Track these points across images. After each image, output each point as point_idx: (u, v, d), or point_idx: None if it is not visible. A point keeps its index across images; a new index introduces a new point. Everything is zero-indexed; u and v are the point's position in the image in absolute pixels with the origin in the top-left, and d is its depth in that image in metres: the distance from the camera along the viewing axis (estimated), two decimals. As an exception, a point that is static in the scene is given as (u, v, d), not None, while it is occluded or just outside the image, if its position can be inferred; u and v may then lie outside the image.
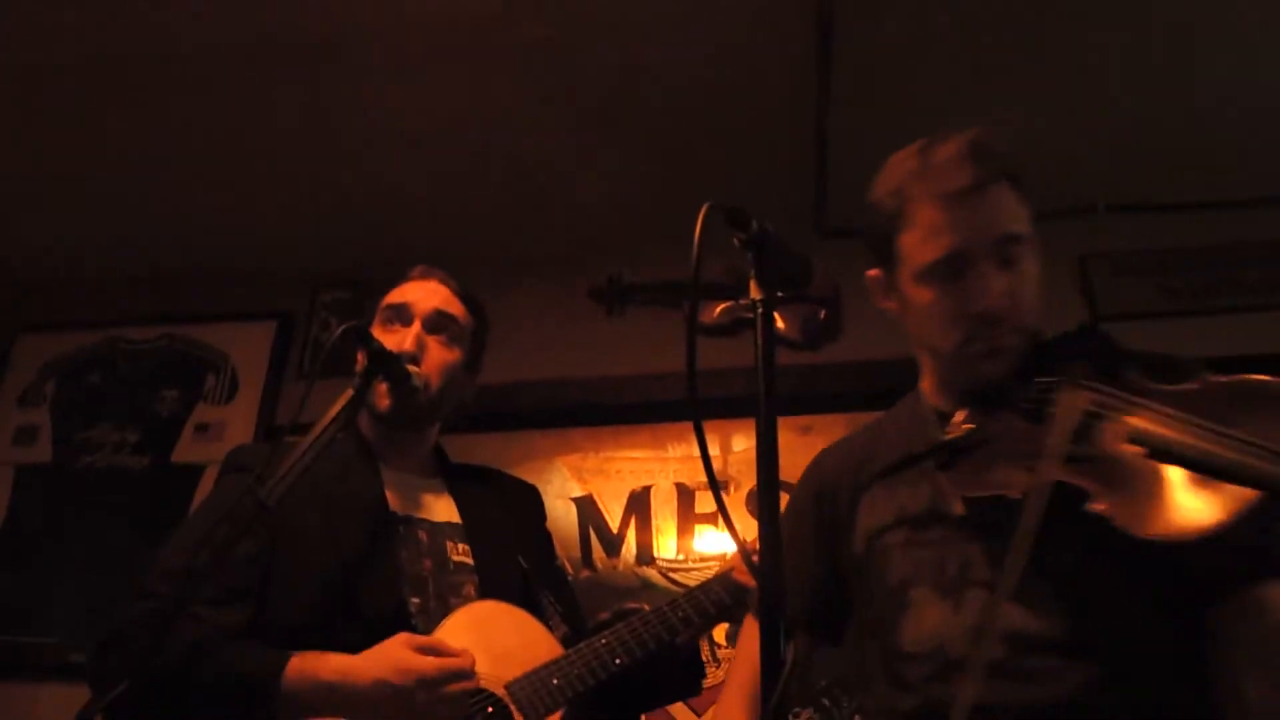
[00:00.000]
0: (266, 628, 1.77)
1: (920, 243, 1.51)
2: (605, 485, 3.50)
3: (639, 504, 3.45)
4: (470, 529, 2.06)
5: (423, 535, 1.99)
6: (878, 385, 3.19)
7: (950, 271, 1.48)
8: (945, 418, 1.54)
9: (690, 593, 2.03)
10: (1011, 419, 1.42)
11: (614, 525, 3.44)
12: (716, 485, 1.19)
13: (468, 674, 1.72)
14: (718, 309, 3.43)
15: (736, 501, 3.31)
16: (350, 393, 1.74)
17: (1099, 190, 3.40)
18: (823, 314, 3.45)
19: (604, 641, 1.92)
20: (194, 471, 3.48)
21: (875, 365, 3.34)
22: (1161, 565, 1.28)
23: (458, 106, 3.06)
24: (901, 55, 2.88)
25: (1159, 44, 2.82)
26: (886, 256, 1.61)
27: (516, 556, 2.07)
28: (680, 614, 1.99)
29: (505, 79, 2.96)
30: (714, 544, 3.34)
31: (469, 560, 2.01)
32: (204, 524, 1.83)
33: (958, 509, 1.49)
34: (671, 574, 3.32)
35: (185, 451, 3.56)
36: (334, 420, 1.68)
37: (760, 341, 1.21)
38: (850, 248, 3.40)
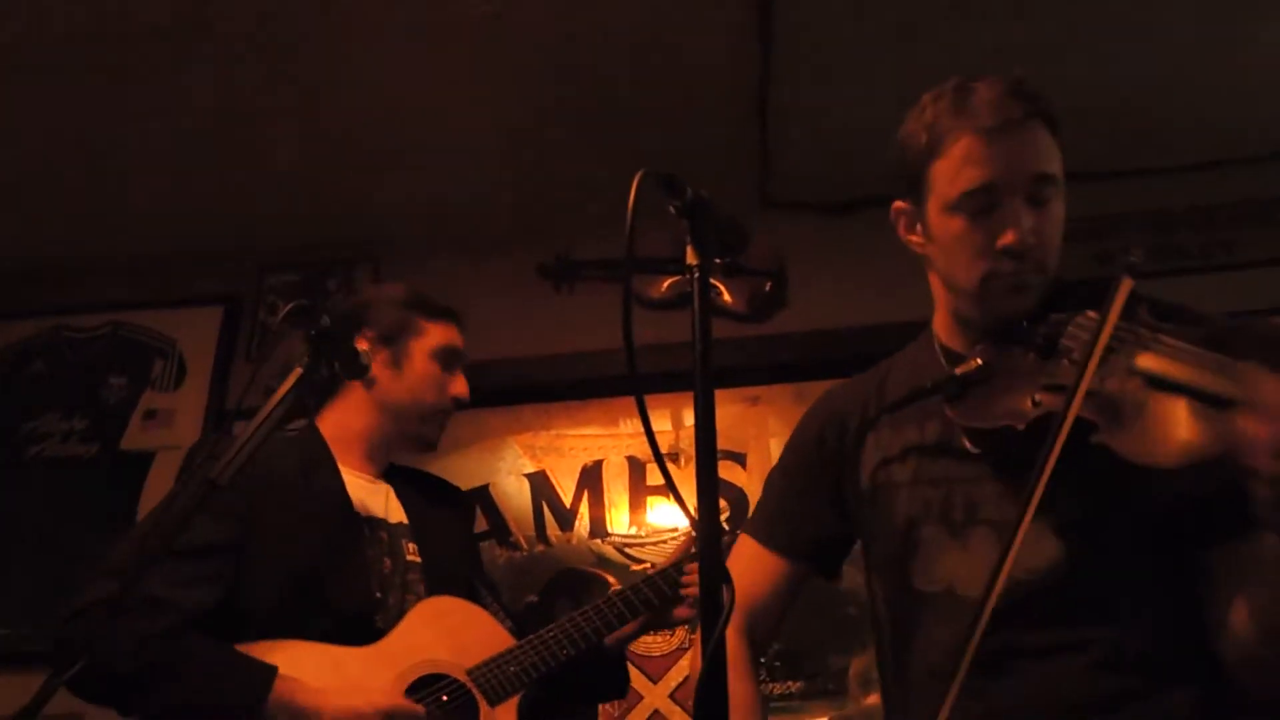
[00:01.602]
0: (237, 613, 1.89)
1: (954, 173, 1.52)
2: (558, 462, 3.52)
3: (591, 478, 3.49)
4: (416, 528, 2.18)
5: (384, 535, 2.12)
6: (825, 355, 3.34)
7: (982, 203, 1.49)
8: (956, 358, 1.57)
9: (634, 588, 2.15)
10: (1024, 354, 1.45)
11: (566, 500, 3.47)
12: (660, 456, 1.21)
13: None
14: (665, 283, 3.46)
15: (688, 475, 3.28)
16: (299, 372, 1.75)
17: None
18: (768, 286, 3.47)
19: (552, 634, 2.07)
20: (144, 458, 3.45)
21: (821, 335, 3.40)
22: (1160, 501, 1.33)
23: (401, 85, 3.05)
24: (842, 26, 2.89)
25: (1097, 12, 2.86)
26: (915, 187, 1.60)
27: (455, 555, 2.24)
28: (618, 607, 2.12)
29: (450, 57, 2.95)
30: (666, 517, 3.38)
31: (416, 559, 2.14)
32: (169, 508, 1.87)
33: (965, 444, 1.52)
34: (627, 549, 3.37)
35: (134, 439, 3.53)
36: (281, 402, 1.69)
37: (696, 306, 1.22)
38: (794, 219, 3.54)
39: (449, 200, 3.56)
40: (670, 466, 3.25)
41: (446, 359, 2.24)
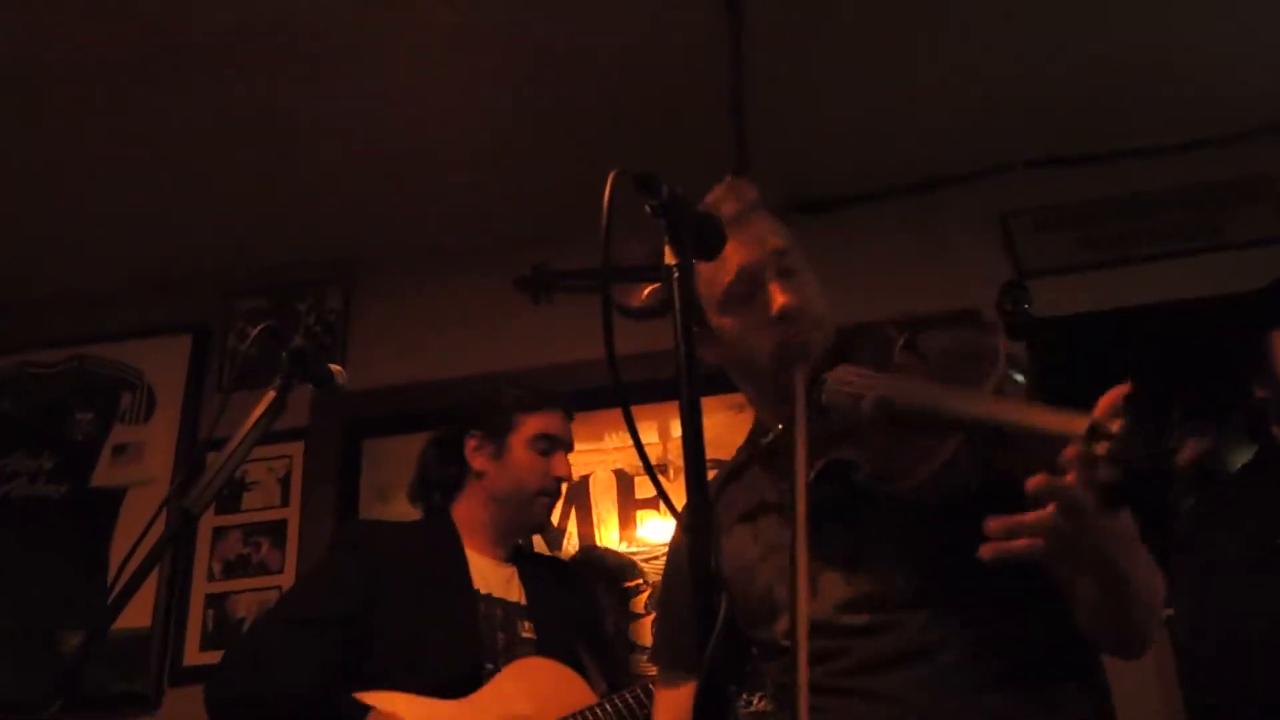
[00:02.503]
0: (358, 674, 2.20)
1: (712, 276, 1.64)
2: None
3: (578, 494, 3.41)
4: (534, 610, 2.46)
5: (499, 612, 2.39)
6: None
7: (744, 291, 1.61)
8: (766, 432, 1.70)
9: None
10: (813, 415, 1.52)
11: (554, 517, 3.29)
12: (649, 463, 1.23)
13: None
14: (645, 290, 3.40)
15: (677, 488, 3.23)
16: (272, 395, 1.72)
17: (1016, 148, 3.43)
18: None
19: (631, 696, 2.29)
20: (115, 495, 3.37)
21: None
22: (935, 511, 1.41)
23: (368, 101, 3.03)
24: (813, 26, 2.89)
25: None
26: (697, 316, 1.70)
27: (571, 632, 2.51)
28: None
29: (418, 70, 2.94)
30: (656, 531, 3.32)
31: (532, 635, 2.41)
32: (314, 584, 2.46)
33: (779, 499, 1.63)
34: None
35: (104, 475, 3.46)
36: (256, 425, 1.66)
37: (677, 306, 1.21)
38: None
39: (421, 215, 3.53)
40: (660, 478, 3.22)
41: (544, 446, 2.55)
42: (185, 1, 2.65)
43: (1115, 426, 0.98)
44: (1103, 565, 1.26)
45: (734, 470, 1.74)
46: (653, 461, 3.27)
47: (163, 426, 3.50)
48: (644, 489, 3.38)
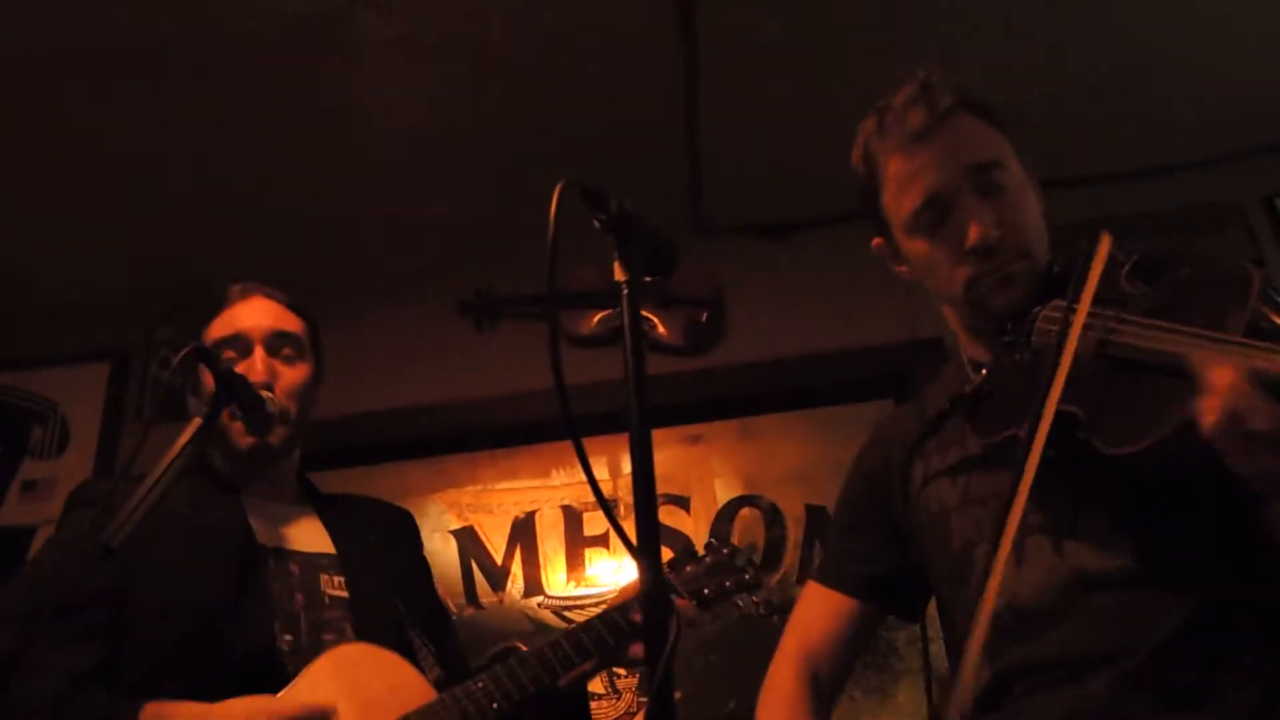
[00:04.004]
0: (123, 670, 1.71)
1: (897, 197, 1.54)
2: (486, 518, 3.40)
3: (524, 531, 3.34)
4: (345, 560, 1.99)
5: (294, 568, 1.92)
6: (768, 387, 3.31)
7: (934, 216, 1.50)
8: (979, 365, 1.56)
9: (571, 631, 1.92)
10: (1021, 355, 1.45)
11: (498, 557, 3.32)
12: (600, 492, 1.17)
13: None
14: (594, 318, 3.36)
15: (628, 527, 3.14)
16: (198, 422, 1.65)
17: None
18: (704, 316, 3.38)
19: (480, 685, 1.82)
20: (23, 534, 3.22)
21: (764, 366, 3.32)
22: (1174, 476, 1.28)
23: (300, 112, 2.96)
24: (768, 51, 2.88)
25: (1038, 17, 2.85)
26: (879, 222, 1.63)
27: (393, 591, 2.01)
28: (560, 653, 1.88)
29: (357, 88, 2.90)
30: (606, 571, 3.24)
31: (344, 594, 1.94)
32: (47, 566, 1.83)
33: (982, 452, 1.52)
34: (565, 611, 3.22)
35: (11, 513, 3.33)
36: (181, 453, 1.60)
37: (627, 323, 1.16)
38: (729, 245, 3.44)
39: (358, 236, 3.46)
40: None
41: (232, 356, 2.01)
42: (114, 9, 2.57)
43: None
44: None
45: (933, 423, 1.61)
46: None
47: (77, 460, 3.39)
48: (593, 526, 3.31)
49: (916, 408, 1.74)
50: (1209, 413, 1.10)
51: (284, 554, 1.93)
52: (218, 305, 2.04)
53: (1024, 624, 1.39)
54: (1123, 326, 1.29)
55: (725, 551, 2.04)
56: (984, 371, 1.48)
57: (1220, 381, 1.10)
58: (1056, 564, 1.36)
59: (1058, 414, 1.27)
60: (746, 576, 2.01)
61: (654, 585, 1.10)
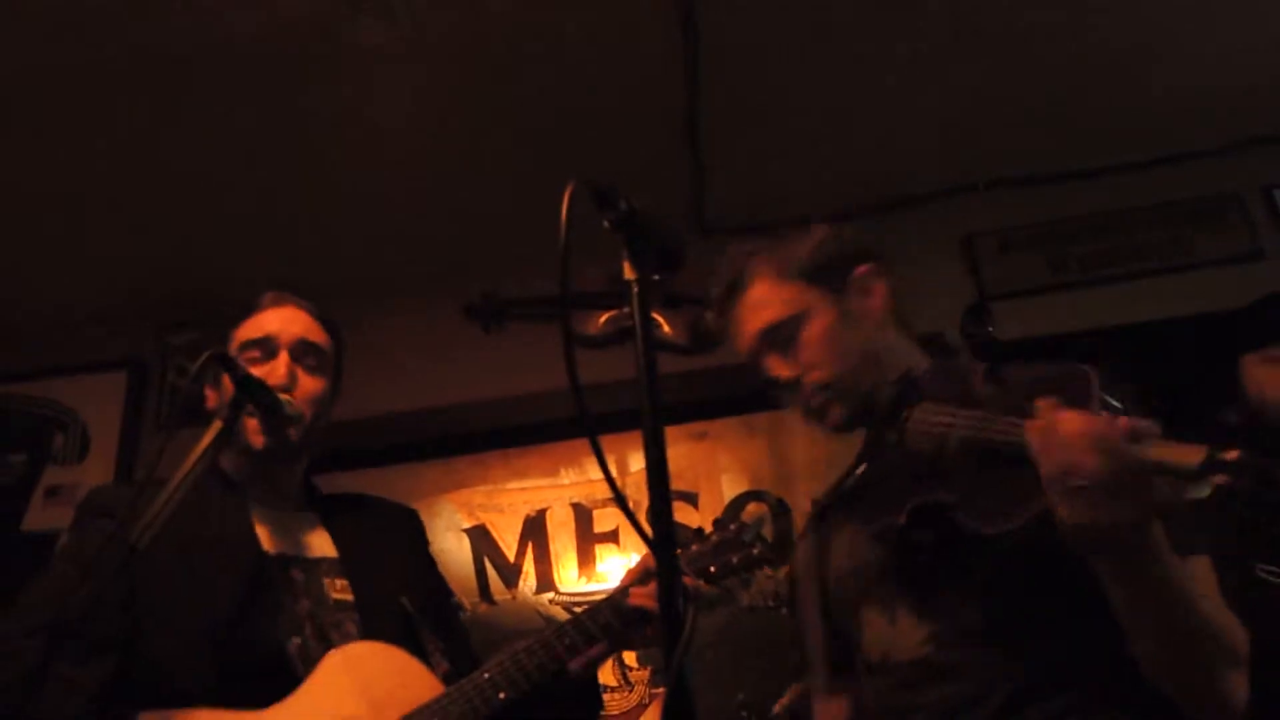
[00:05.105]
0: (134, 680, 1.72)
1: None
2: (498, 517, 3.46)
3: (535, 529, 3.41)
4: (348, 564, 2.02)
5: (297, 574, 1.95)
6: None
7: (760, 369, 1.75)
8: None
9: (577, 618, 1.95)
10: (891, 454, 1.58)
11: (510, 555, 3.39)
12: (614, 482, 1.19)
13: None
14: (601, 318, 3.39)
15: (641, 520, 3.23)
16: (219, 425, 1.68)
17: (979, 168, 3.45)
18: (709, 315, 3.38)
19: (486, 676, 1.86)
20: (48, 539, 3.24)
21: None
22: (1040, 551, 1.40)
23: (306, 122, 2.99)
24: (770, 49, 2.89)
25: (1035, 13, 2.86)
26: None
27: (398, 590, 2.03)
28: (566, 641, 1.90)
29: (364, 96, 2.92)
30: (616, 566, 3.30)
31: (348, 597, 1.97)
32: (65, 574, 1.80)
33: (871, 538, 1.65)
34: (577, 607, 3.22)
35: (37, 519, 3.41)
36: (202, 456, 1.63)
37: (638, 318, 1.20)
38: (733, 244, 3.47)
39: (366, 241, 3.50)
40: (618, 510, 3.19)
41: (254, 355, 2.04)
42: (122, 27, 2.61)
43: (1231, 456, 1.08)
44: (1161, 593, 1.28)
45: (819, 515, 1.80)
46: (606, 498, 3.38)
47: (98, 467, 3.47)
48: (603, 523, 3.38)
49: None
50: (1043, 475, 1.24)
51: (289, 560, 1.96)
52: (249, 309, 2.08)
53: (892, 674, 1.57)
54: (972, 423, 1.42)
55: (732, 528, 2.04)
56: (859, 470, 1.67)
57: (1048, 443, 1.25)
58: (920, 627, 1.52)
59: (930, 503, 1.44)
60: (754, 551, 2.00)
61: (670, 575, 1.13)
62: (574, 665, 1.93)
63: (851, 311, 1.71)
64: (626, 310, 1.21)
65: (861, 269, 1.76)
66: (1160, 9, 2.88)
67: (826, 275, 1.74)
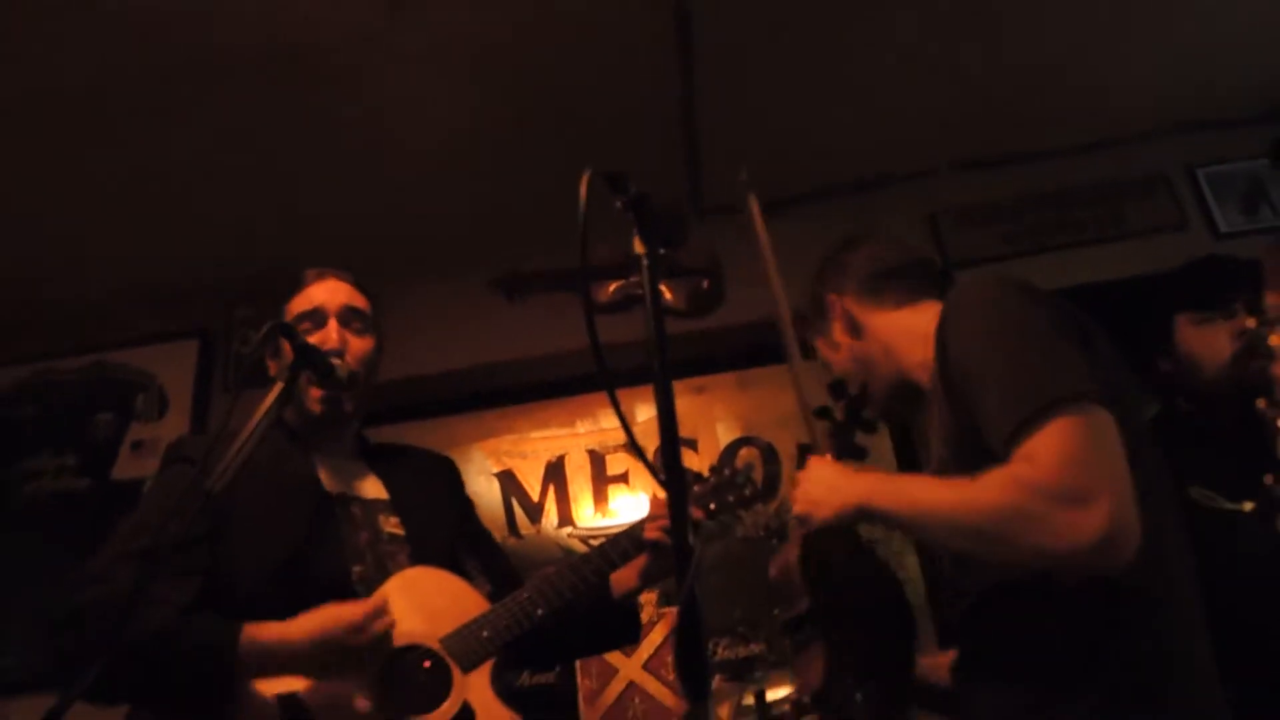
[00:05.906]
0: (220, 601, 1.89)
1: None
2: (523, 462, 3.69)
3: (555, 473, 3.65)
4: (398, 503, 2.20)
5: (357, 511, 2.13)
6: (763, 343, 3.37)
7: None
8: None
9: (600, 547, 2.18)
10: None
11: (534, 495, 3.63)
12: (629, 430, 1.36)
13: (383, 611, 1.90)
14: (611, 287, 3.61)
15: (644, 469, 3.53)
16: (280, 386, 1.79)
17: (942, 151, 3.71)
18: (706, 283, 3.66)
19: (525, 595, 2.08)
20: (135, 486, 3.59)
21: (758, 326, 3.45)
22: None
23: (348, 110, 3.16)
24: (757, 41, 3.06)
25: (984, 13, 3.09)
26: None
27: (441, 526, 2.24)
28: (591, 566, 2.14)
29: (393, 90, 3.09)
30: (626, 505, 3.55)
31: (400, 531, 2.15)
32: (153, 512, 1.97)
33: None
34: (591, 540, 3.48)
35: (125, 468, 3.69)
36: (267, 413, 1.73)
37: (648, 289, 1.31)
38: (727, 221, 3.69)
39: (404, 226, 3.69)
40: (629, 454, 3.41)
41: (307, 326, 2.20)
42: (186, 31, 2.78)
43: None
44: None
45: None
46: (618, 444, 3.66)
47: (175, 422, 3.74)
48: (615, 466, 3.61)
49: None
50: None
51: (348, 499, 2.13)
52: (296, 285, 2.25)
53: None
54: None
55: (727, 473, 2.26)
56: None
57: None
58: None
59: None
60: (746, 492, 2.24)
61: (681, 511, 1.24)
62: (618, 592, 2.23)
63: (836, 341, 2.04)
64: (634, 280, 1.24)
65: (828, 298, 2.05)
66: (1092, 10, 3.12)
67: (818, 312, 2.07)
